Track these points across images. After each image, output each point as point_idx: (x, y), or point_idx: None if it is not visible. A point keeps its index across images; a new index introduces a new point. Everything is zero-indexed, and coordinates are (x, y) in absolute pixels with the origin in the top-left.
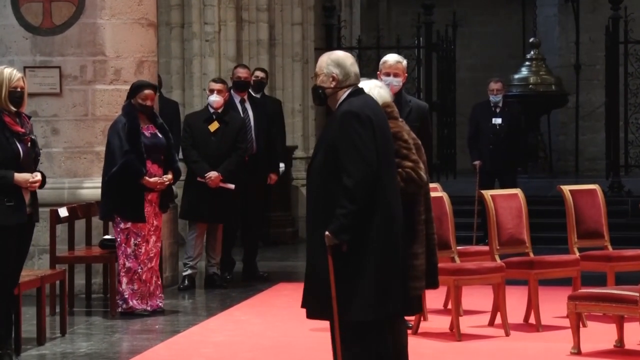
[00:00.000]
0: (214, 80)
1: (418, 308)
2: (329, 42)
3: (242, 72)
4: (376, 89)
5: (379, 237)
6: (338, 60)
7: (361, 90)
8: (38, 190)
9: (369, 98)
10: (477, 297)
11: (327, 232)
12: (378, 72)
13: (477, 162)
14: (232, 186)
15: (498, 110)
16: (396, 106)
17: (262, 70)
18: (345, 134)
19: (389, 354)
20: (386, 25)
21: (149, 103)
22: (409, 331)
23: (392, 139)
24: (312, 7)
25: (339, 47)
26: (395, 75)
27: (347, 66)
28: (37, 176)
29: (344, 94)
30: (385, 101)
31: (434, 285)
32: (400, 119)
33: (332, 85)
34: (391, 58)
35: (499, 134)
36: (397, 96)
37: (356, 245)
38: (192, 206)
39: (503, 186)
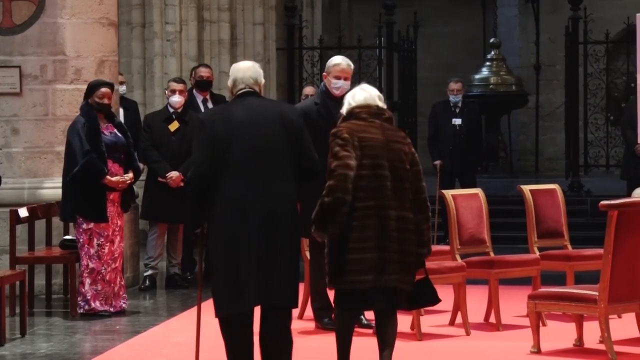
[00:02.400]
0: (175, 80)
1: (371, 303)
2: (290, 42)
3: (204, 72)
4: (350, 95)
5: (224, 230)
6: (232, 70)
7: (245, 94)
8: None
9: (246, 100)
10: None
11: None
12: (325, 74)
13: (437, 162)
14: None
15: (458, 110)
16: (337, 108)
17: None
18: None
19: (249, 346)
20: (348, 25)
21: (106, 101)
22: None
23: (269, 136)
24: (274, 7)
25: (301, 47)
26: (346, 78)
27: (235, 73)
28: None
29: None
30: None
31: (379, 282)
32: (371, 120)
33: (231, 94)
34: (343, 61)
35: (459, 134)
36: (340, 98)
37: (211, 241)
38: (153, 206)
39: (463, 186)
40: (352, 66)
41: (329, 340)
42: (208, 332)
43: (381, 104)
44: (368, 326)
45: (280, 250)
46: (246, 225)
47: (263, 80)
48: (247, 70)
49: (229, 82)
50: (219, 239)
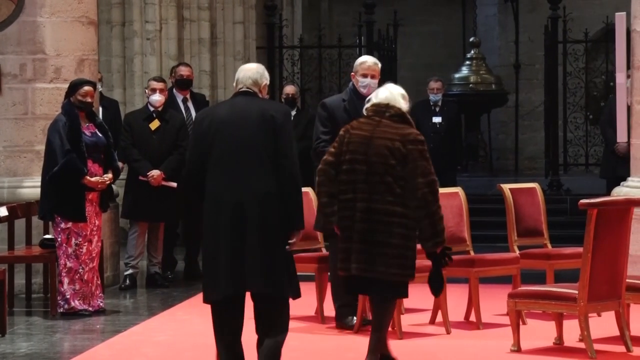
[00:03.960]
0: (155, 79)
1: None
2: (270, 41)
3: (184, 71)
4: (374, 94)
5: (206, 224)
6: (237, 71)
7: (240, 93)
8: None
9: (235, 99)
10: (418, 295)
11: None
12: (352, 74)
13: None
14: (174, 184)
15: (437, 109)
16: (363, 107)
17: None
18: None
19: (236, 331)
20: (328, 24)
21: (89, 99)
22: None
23: (247, 133)
24: (254, 5)
25: (281, 46)
26: (373, 77)
27: (237, 73)
28: None
29: None
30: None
31: (347, 270)
32: (373, 118)
33: None
34: (369, 59)
35: (438, 132)
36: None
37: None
38: (134, 205)
39: (443, 185)
40: (379, 64)
41: (354, 340)
42: (189, 331)
43: (404, 102)
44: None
45: (250, 243)
46: (220, 219)
47: (265, 82)
48: (247, 71)
49: (234, 83)
50: (204, 231)
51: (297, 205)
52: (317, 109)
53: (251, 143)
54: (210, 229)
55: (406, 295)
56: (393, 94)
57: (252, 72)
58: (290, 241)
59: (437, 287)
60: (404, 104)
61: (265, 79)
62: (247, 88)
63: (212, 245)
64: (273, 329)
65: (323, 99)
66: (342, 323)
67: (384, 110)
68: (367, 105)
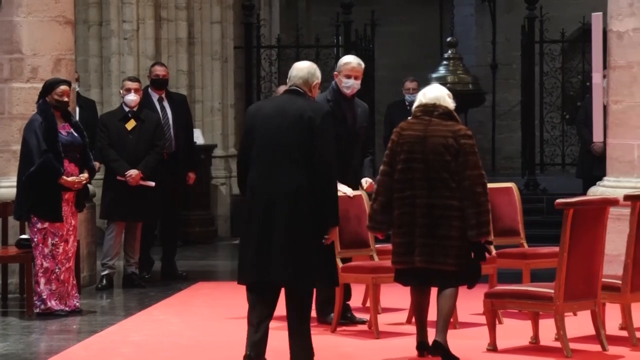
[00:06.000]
0: (130, 79)
1: (408, 280)
2: (248, 40)
3: (160, 70)
4: (422, 93)
5: (245, 213)
6: (291, 68)
7: (287, 91)
8: None
9: (281, 97)
10: (395, 295)
11: None
12: (336, 73)
13: None
14: (153, 184)
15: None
16: (349, 107)
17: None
18: None
19: (261, 316)
20: (305, 24)
21: (65, 99)
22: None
23: (282, 130)
24: (231, 5)
25: (258, 46)
26: (356, 77)
27: (290, 71)
28: None
29: None
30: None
31: (410, 263)
32: (422, 117)
33: None
34: (354, 60)
35: None
36: (352, 98)
37: None
38: (112, 205)
39: None
40: (363, 65)
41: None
42: (166, 331)
43: (450, 101)
44: (360, 322)
45: (278, 235)
46: (254, 210)
47: (316, 81)
48: (299, 70)
49: (287, 80)
50: (243, 219)
51: (331, 202)
52: None
53: (285, 140)
54: (247, 218)
55: (465, 283)
56: (442, 93)
57: (303, 71)
58: (325, 236)
59: (473, 279)
60: (450, 102)
61: (317, 78)
62: (297, 87)
63: (246, 234)
64: (300, 320)
65: None
66: (323, 320)
67: (432, 109)
68: (414, 106)
